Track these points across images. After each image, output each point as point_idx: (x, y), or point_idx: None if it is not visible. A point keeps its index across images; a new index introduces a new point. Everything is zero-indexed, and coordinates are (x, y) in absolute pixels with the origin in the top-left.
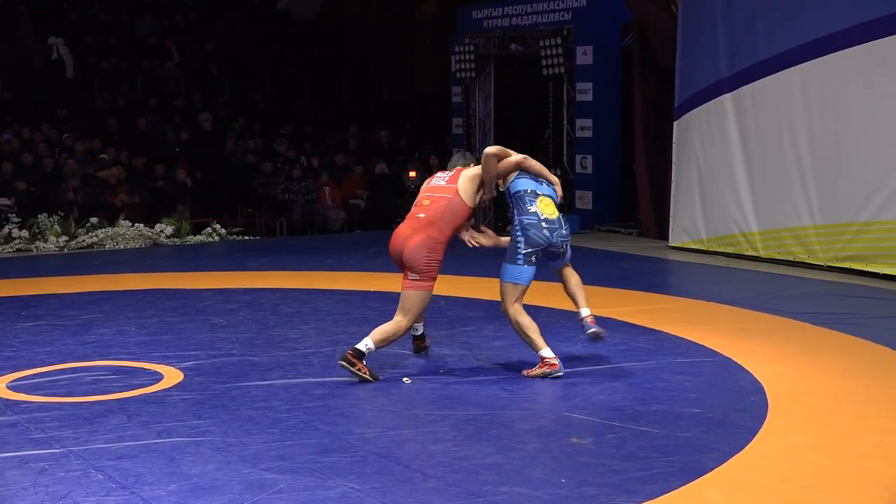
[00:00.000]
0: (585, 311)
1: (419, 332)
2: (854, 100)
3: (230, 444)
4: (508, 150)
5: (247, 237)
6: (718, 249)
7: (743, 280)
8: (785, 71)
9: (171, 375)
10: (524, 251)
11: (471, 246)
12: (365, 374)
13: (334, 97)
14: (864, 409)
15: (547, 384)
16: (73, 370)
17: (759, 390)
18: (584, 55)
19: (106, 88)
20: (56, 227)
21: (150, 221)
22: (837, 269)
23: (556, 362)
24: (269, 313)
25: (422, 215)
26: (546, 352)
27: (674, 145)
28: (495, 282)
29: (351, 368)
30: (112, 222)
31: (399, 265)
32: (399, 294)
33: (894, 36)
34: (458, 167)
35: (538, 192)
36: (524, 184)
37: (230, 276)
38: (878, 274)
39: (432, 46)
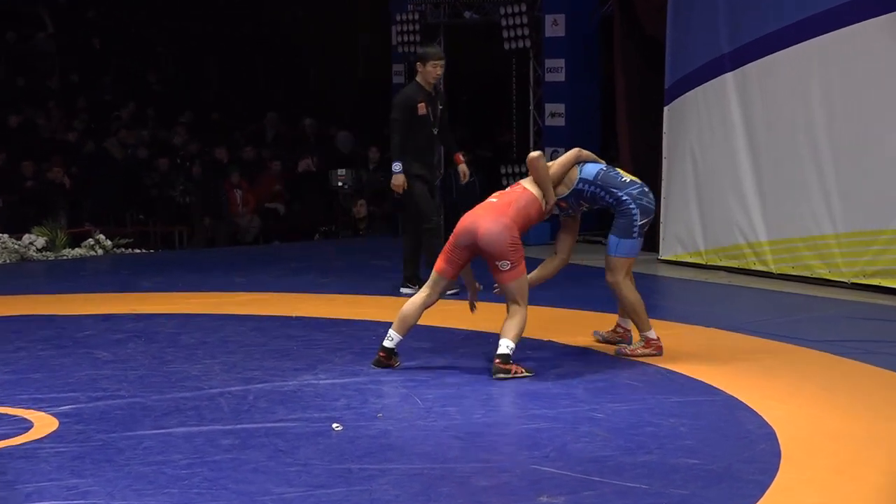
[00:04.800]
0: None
1: (393, 344)
2: (886, 80)
3: None
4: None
5: (137, 250)
6: (720, 263)
7: (749, 301)
8: (800, 45)
9: (43, 423)
10: (640, 222)
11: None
12: (523, 372)
13: (247, 78)
14: None
15: (509, 429)
16: None
17: (769, 436)
18: (555, 25)
19: None
20: None
21: (17, 232)
22: (864, 286)
23: (661, 345)
24: (165, 345)
25: (494, 200)
26: (652, 333)
27: (664, 136)
28: (445, 305)
29: (508, 376)
30: None
31: (464, 252)
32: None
33: None
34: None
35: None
36: (594, 166)
37: (117, 299)
38: None
39: (369, 16)
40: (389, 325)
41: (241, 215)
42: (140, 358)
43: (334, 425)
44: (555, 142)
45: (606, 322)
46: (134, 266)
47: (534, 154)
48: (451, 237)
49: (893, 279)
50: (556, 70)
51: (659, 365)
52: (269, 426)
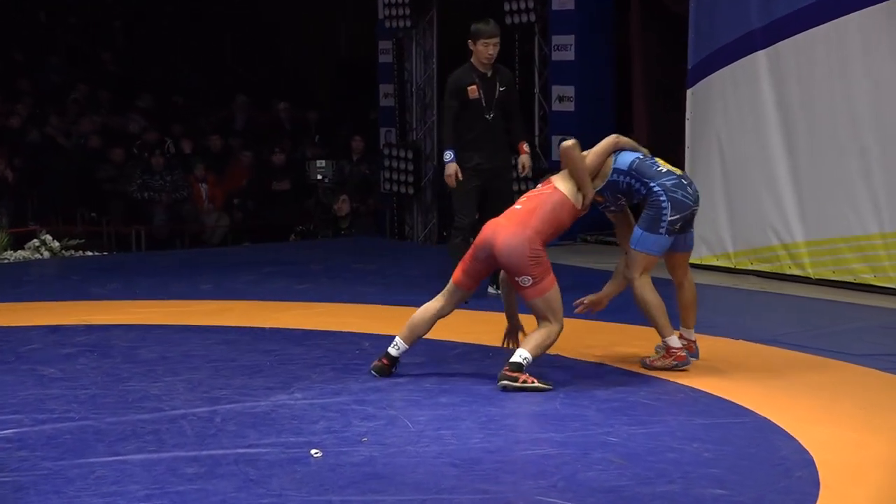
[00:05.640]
0: (691, 335)
1: (398, 353)
2: None
3: None
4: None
5: (89, 252)
6: (750, 267)
7: (784, 309)
8: (842, 19)
9: None
10: (670, 218)
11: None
12: (535, 383)
13: (214, 57)
14: None
15: (511, 455)
16: None
17: (806, 463)
18: None
19: None
20: None
21: None
22: None
23: (684, 354)
24: (121, 360)
25: (518, 207)
26: (673, 340)
27: (687, 123)
28: None
29: (515, 384)
30: None
31: (482, 264)
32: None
33: None
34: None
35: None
36: (629, 154)
37: (66, 308)
38: None
39: None
40: (374, 336)
41: (206, 213)
42: (92, 375)
43: (313, 451)
44: (563, 129)
45: (626, 334)
46: (85, 270)
47: (568, 143)
48: (471, 247)
49: None
50: (564, 48)
51: (681, 382)
52: (239, 452)
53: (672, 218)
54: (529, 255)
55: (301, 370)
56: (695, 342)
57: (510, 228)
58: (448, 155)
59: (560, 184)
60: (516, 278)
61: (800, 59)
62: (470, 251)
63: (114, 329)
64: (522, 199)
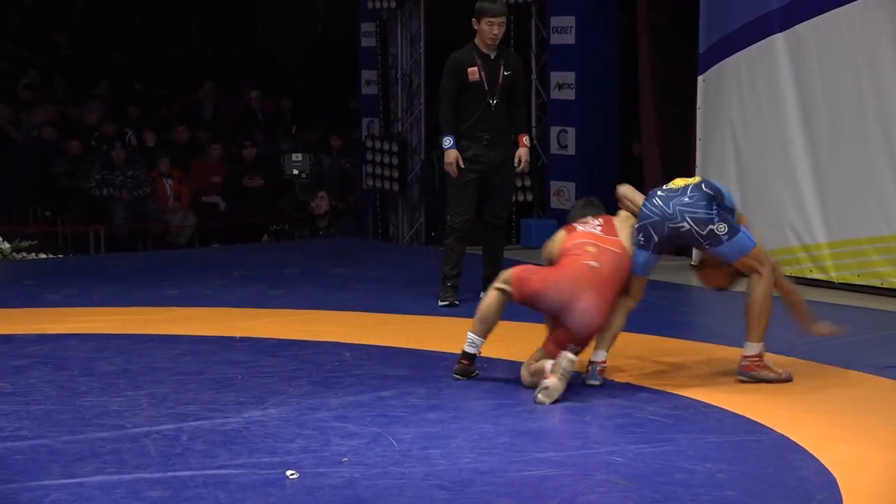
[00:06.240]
0: (751, 349)
1: (475, 350)
2: None
3: None
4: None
5: (43, 255)
6: None
7: None
8: None
9: None
10: (637, 233)
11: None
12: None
13: (179, 40)
14: None
15: (505, 477)
16: None
17: (829, 485)
18: None
19: None
20: None
21: None
22: None
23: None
24: (77, 373)
25: (596, 264)
26: (599, 355)
27: (698, 112)
28: (427, 322)
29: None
30: None
31: (533, 307)
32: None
33: None
34: (603, 215)
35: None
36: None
37: (17, 316)
38: None
39: None
40: (355, 346)
41: (172, 211)
42: (46, 389)
43: (288, 473)
44: (563, 119)
45: (627, 343)
46: (38, 275)
47: (625, 188)
48: (530, 292)
49: None
50: (564, 30)
51: (692, 397)
52: (208, 474)
53: (638, 228)
54: (592, 331)
55: (275, 384)
56: (603, 363)
57: (589, 296)
58: (447, 141)
59: (625, 240)
60: (570, 344)
61: (821, 42)
62: (528, 296)
63: (70, 339)
64: (591, 247)
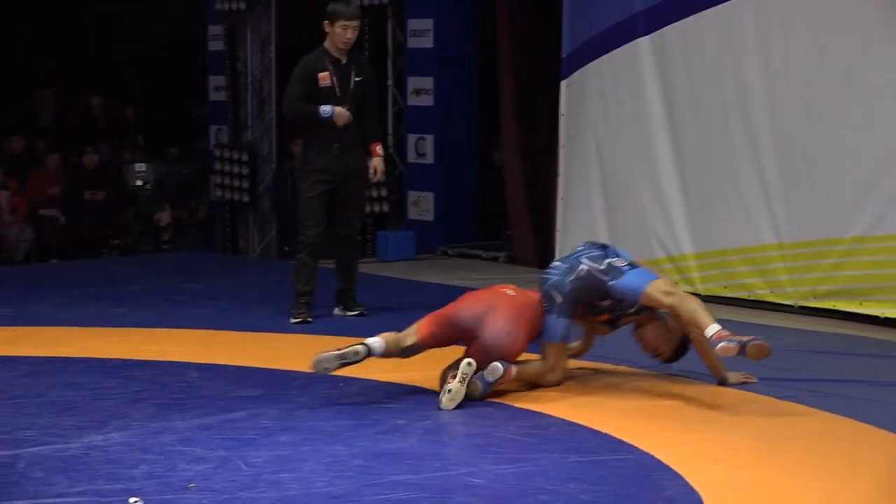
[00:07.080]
0: (711, 330)
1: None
2: (842, 51)
3: None
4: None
5: None
6: None
7: None
8: (733, 1)
9: None
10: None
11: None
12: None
13: (10, 42)
14: None
15: (360, 501)
16: None
17: None
18: None
19: None
20: None
21: None
22: (814, 310)
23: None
24: None
25: (511, 292)
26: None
27: (561, 118)
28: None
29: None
30: None
31: (450, 335)
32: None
33: None
34: None
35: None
36: None
37: None
38: (877, 318)
39: None
40: (203, 366)
41: (7, 225)
42: None
43: (132, 500)
44: (421, 126)
45: None
46: None
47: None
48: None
49: (851, 301)
50: (422, 33)
51: (554, 415)
52: (47, 502)
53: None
54: (511, 346)
55: (118, 406)
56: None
57: (504, 314)
58: (326, 109)
59: None
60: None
61: (687, 46)
62: (441, 320)
63: None
64: (509, 290)
